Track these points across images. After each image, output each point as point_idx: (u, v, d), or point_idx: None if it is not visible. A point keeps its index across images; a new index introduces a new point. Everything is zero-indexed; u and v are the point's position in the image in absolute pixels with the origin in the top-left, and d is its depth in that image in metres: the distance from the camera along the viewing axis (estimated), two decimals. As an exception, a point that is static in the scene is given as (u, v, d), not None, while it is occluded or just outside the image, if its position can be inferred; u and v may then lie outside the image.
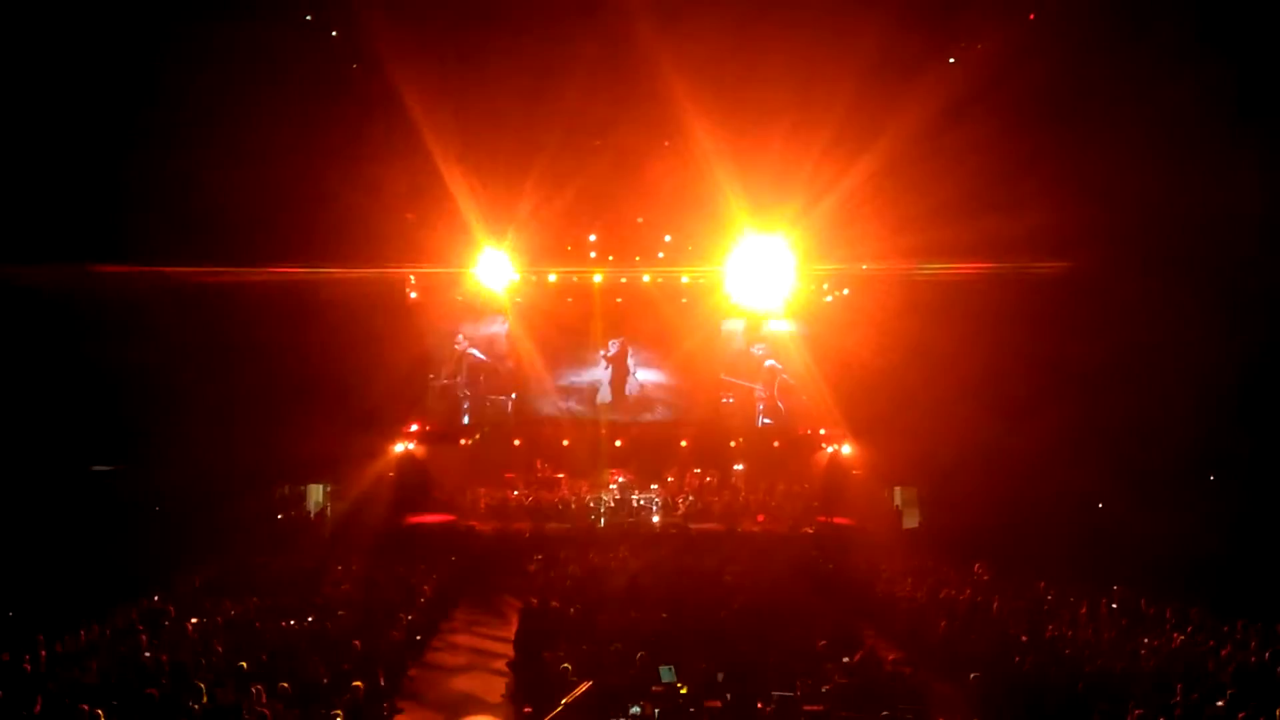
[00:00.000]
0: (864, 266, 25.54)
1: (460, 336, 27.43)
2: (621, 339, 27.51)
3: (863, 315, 25.36)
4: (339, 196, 20.63)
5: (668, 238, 25.77)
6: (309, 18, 17.63)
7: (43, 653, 11.69)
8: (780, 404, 27.75)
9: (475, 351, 27.41)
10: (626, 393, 27.74)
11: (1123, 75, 17.81)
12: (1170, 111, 17.75)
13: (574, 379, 27.72)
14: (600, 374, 27.73)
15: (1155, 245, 18.60)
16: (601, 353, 27.58)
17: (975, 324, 21.85)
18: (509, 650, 14.55)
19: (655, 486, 26.21)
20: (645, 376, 27.79)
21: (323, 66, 18.85)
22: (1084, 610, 15.41)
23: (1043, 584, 17.38)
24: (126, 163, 16.69)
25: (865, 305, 25.49)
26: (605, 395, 27.73)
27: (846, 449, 25.89)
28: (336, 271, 21.97)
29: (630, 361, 27.72)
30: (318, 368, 22.14)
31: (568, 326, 27.12)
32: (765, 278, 24.62)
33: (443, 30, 17.77)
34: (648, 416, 27.83)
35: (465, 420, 27.47)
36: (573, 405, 27.66)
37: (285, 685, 10.68)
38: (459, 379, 27.46)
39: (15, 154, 16.44)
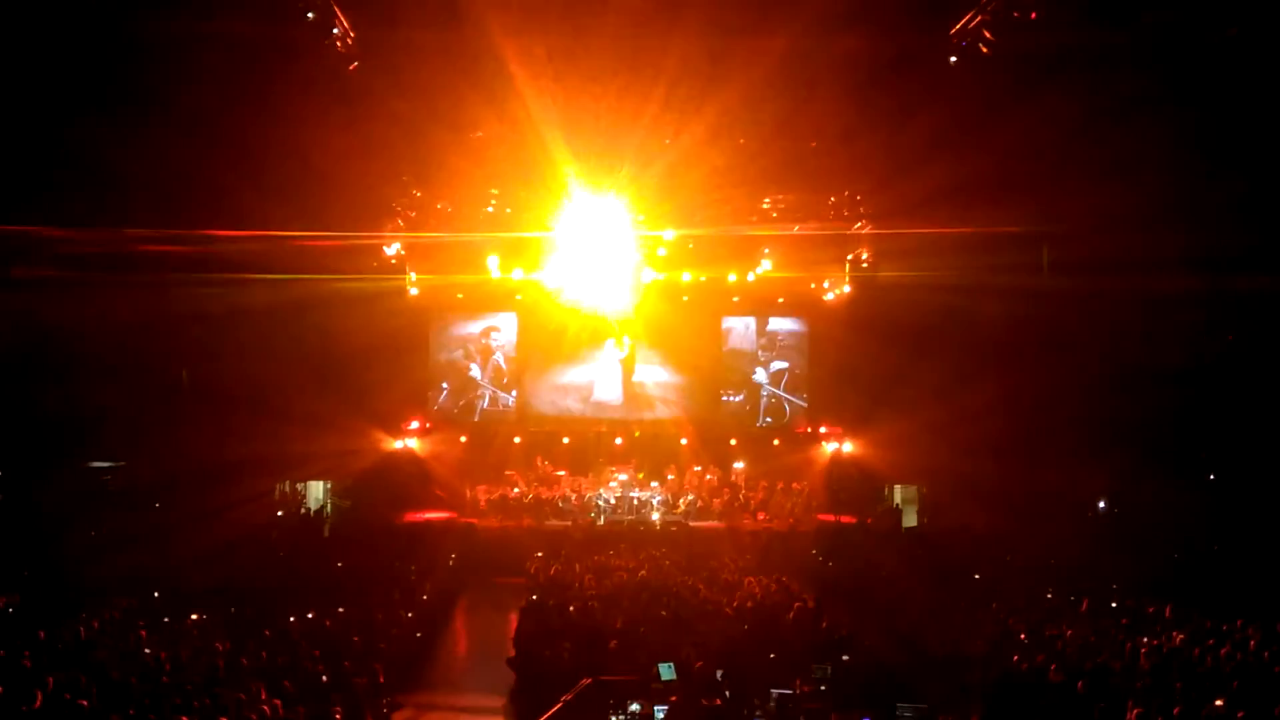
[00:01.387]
0: (865, 264, 25.55)
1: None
2: (622, 336, 27.46)
3: (863, 313, 25.35)
4: (338, 186, 20.56)
5: (669, 234, 25.70)
6: (310, 15, 17.48)
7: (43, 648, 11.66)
8: (782, 402, 27.73)
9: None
10: (627, 390, 27.72)
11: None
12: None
13: (573, 376, 27.68)
14: (600, 371, 27.69)
15: (1157, 242, 18.51)
16: (601, 350, 27.53)
17: (978, 321, 21.81)
18: (509, 647, 14.54)
19: (655, 484, 26.20)
20: (646, 374, 27.76)
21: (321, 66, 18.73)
22: (1084, 609, 15.41)
23: (1043, 583, 17.36)
24: (120, 152, 16.59)
25: (866, 303, 25.49)
26: (605, 393, 27.70)
27: (847, 447, 25.87)
28: (336, 267, 21.94)
29: (630, 359, 27.67)
30: (318, 363, 22.11)
31: (567, 324, 27.07)
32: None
33: None
34: (648, 414, 27.82)
35: (476, 418, 27.41)
36: (572, 403, 27.64)
37: (286, 682, 10.67)
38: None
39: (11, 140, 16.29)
